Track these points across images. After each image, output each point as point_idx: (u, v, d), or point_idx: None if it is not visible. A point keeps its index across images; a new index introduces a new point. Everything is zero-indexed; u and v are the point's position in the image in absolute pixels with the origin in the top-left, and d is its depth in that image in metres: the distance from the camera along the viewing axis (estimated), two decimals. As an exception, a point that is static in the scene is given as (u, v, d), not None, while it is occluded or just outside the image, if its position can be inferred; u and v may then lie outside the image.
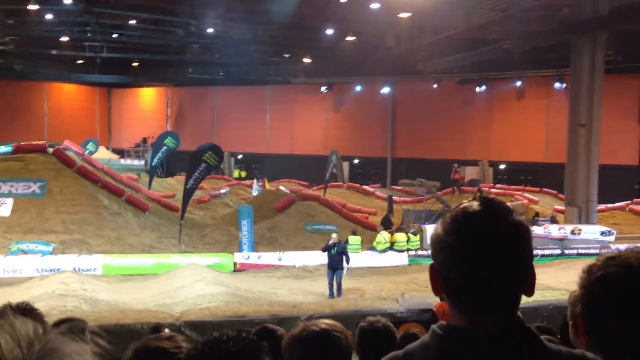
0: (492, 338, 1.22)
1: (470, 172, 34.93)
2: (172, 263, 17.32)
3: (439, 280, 1.29)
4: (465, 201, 1.31)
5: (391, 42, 30.55)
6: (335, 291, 14.58)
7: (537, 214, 24.06)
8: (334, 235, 15.50)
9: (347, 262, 14.97)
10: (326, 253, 14.93)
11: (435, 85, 35.14)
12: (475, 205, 1.27)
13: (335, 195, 30.78)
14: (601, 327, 1.22)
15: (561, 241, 19.88)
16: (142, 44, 35.25)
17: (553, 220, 22.38)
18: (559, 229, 20.34)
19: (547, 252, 19.30)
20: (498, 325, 1.23)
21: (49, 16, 28.95)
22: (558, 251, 19.42)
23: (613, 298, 1.20)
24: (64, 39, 34.32)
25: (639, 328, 1.18)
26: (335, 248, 14.76)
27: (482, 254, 1.22)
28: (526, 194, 29.71)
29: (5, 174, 20.89)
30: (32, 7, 25.10)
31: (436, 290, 1.30)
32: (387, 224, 22.10)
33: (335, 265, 14.68)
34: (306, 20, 26.56)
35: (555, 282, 13.91)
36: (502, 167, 35.35)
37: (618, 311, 1.19)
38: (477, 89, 34.51)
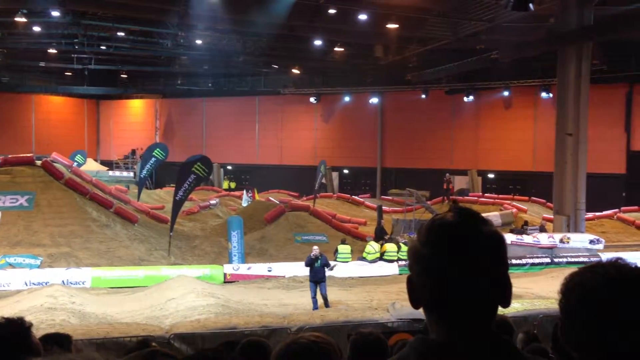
0: (469, 350, 1.23)
1: (459, 182, 35.08)
2: (161, 275, 17.20)
3: (416, 292, 1.29)
4: (440, 212, 1.32)
5: (379, 52, 30.73)
6: (322, 304, 14.36)
7: (526, 223, 24.17)
8: (315, 247, 15.25)
9: (329, 267, 15.31)
10: (309, 267, 14.68)
11: (423, 96, 35.35)
12: (450, 216, 1.28)
13: (325, 205, 30.77)
14: (574, 332, 1.24)
15: (550, 250, 19.96)
16: (130, 55, 35.22)
17: (542, 229, 22.48)
18: (548, 238, 20.43)
19: (536, 260, 19.38)
20: (474, 337, 1.24)
21: (36, 28, 28.85)
22: (547, 260, 19.49)
23: (585, 304, 1.21)
24: (52, 51, 34.24)
25: (607, 333, 1.19)
26: (319, 261, 14.54)
27: (457, 266, 1.23)
28: (515, 203, 29.84)
29: (-7, 187, 20.71)
30: (20, 19, 25.01)
31: (413, 302, 1.31)
32: (380, 234, 22.02)
33: (319, 278, 14.47)
34: (295, 31, 26.64)
35: (545, 291, 13.96)
36: (490, 176, 35.53)
37: (589, 317, 1.21)
38: (465, 99, 34.75)
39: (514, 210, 27.89)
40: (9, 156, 23.72)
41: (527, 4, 17.17)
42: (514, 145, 34.09)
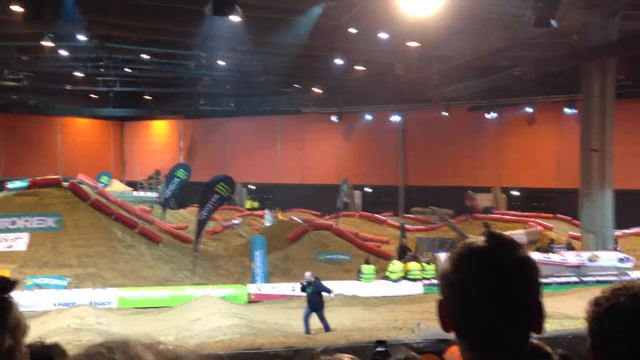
0: None
1: (483, 199, 34.76)
2: (186, 295, 17.28)
3: (447, 316, 1.28)
4: (471, 236, 1.30)
5: (400, 70, 30.76)
6: (323, 328, 13.88)
7: (552, 241, 23.84)
8: (307, 274, 14.72)
9: (329, 292, 14.52)
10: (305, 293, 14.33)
11: (445, 113, 35.25)
12: (481, 240, 1.27)
13: (348, 224, 30.71)
14: (611, 359, 1.21)
15: (578, 268, 19.63)
16: (154, 77, 35.81)
17: (569, 247, 22.13)
18: (576, 256, 20.11)
19: (563, 279, 19.04)
20: None
21: (63, 52, 29.49)
22: (575, 279, 19.15)
23: (623, 328, 1.20)
24: (78, 74, 34.93)
25: None
26: (311, 287, 14.09)
27: (488, 292, 1.21)
28: (540, 221, 29.45)
29: (21, 209, 21.08)
30: (46, 43, 25.57)
31: (445, 326, 1.29)
32: (402, 253, 21.86)
33: (313, 305, 14.01)
34: (316, 51, 26.84)
35: (574, 311, 13.66)
36: (515, 193, 35.15)
37: (629, 341, 1.19)
38: (488, 116, 34.55)
39: (540, 227, 27.52)
40: (37, 178, 24.13)
41: (550, 21, 17.09)
42: (538, 162, 33.73)
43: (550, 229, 28.31)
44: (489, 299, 1.21)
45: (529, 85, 29.09)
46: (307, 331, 13.72)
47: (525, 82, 27.68)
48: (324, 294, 14.26)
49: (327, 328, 13.87)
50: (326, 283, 18.50)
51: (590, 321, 1.25)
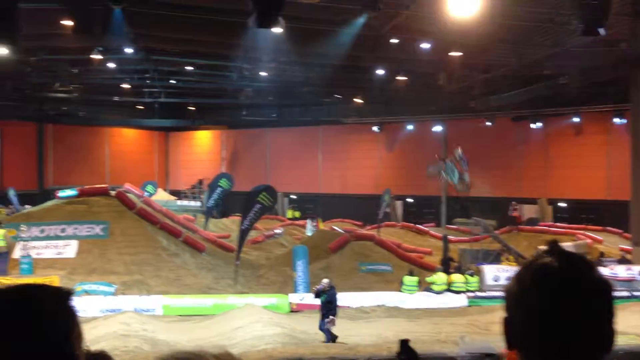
0: None
1: (528, 210, 34.03)
2: (228, 304, 17.43)
3: (512, 334, 1.25)
4: (543, 254, 1.27)
5: (442, 80, 30.50)
6: (325, 337, 13.78)
7: (602, 254, 23.18)
8: (325, 280, 14.46)
9: (334, 313, 13.85)
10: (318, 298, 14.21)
11: (488, 123, 34.75)
12: (554, 260, 1.23)
13: (390, 234, 30.51)
14: None
15: (629, 283, 19.00)
16: (197, 88, 36.45)
17: (623, 261, 21.39)
18: (626, 270, 19.48)
19: (614, 294, 18.43)
20: None
21: (111, 65, 30.30)
22: (626, 293, 18.53)
23: None
24: (125, 85, 35.85)
25: None
26: (325, 295, 13.94)
27: (562, 314, 1.18)
28: (589, 233, 28.66)
29: (71, 217, 21.69)
30: (96, 56, 26.33)
31: (509, 343, 1.26)
32: (447, 267, 21.34)
33: (324, 312, 13.93)
34: (357, 61, 26.88)
35: (625, 326, 13.24)
36: (562, 205, 34.30)
37: None
38: (533, 126, 33.92)
39: (589, 240, 26.78)
40: (85, 187, 24.82)
41: (597, 29, 16.68)
42: (586, 173, 32.88)
43: (600, 241, 27.53)
44: (563, 320, 1.18)
45: (576, 94, 28.45)
46: (328, 339, 13.73)
47: (572, 92, 27.08)
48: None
49: (326, 332, 13.80)
50: (368, 293, 18.52)
51: None
